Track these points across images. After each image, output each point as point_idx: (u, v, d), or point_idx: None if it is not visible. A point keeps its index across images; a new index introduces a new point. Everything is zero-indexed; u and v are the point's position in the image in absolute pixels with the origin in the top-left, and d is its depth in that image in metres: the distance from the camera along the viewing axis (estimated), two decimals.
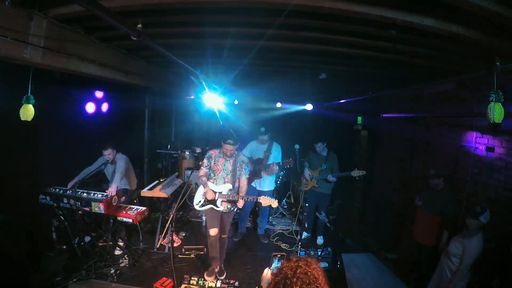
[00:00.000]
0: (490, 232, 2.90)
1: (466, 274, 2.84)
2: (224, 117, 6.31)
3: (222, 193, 3.56)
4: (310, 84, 5.73)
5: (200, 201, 3.69)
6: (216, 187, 3.59)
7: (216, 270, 3.73)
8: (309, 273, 1.22)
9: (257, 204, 5.07)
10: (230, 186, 3.58)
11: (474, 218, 2.79)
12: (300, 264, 1.26)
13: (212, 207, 3.60)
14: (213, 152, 3.66)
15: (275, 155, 4.82)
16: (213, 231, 3.60)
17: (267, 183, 4.87)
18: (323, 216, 4.31)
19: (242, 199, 3.48)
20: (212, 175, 3.65)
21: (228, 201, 3.60)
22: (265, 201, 3.46)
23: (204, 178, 3.61)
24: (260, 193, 4.81)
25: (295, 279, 1.20)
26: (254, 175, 4.78)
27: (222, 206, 3.59)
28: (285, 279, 1.22)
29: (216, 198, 3.55)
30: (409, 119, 4.83)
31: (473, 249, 2.75)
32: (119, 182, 4.00)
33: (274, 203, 3.45)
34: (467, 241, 2.81)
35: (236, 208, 3.72)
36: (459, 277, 2.81)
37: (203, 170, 3.65)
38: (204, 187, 3.61)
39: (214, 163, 3.61)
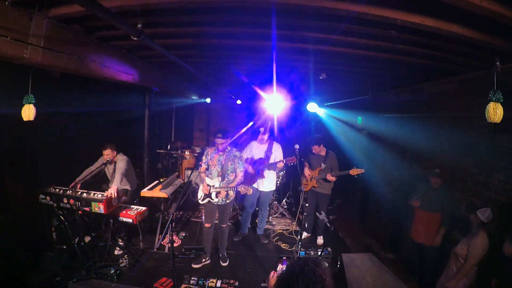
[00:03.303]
0: (490, 232, 2.92)
1: (472, 274, 2.86)
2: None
3: (215, 186, 3.89)
4: (310, 84, 5.73)
5: (201, 196, 4.00)
6: (211, 181, 3.93)
7: (204, 260, 4.05)
8: (316, 272, 1.23)
9: (257, 204, 5.08)
10: (220, 179, 3.91)
11: (473, 211, 2.88)
12: (309, 263, 1.27)
13: (209, 200, 3.93)
14: (210, 149, 4.04)
15: (277, 154, 4.82)
16: (208, 224, 4.03)
17: (268, 183, 4.85)
18: (323, 216, 4.30)
19: (225, 190, 3.84)
20: (208, 170, 3.98)
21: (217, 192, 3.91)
22: (241, 189, 3.82)
23: (203, 175, 3.98)
24: (261, 193, 4.82)
25: (302, 276, 1.21)
26: (257, 175, 4.77)
27: (216, 198, 3.90)
28: (291, 274, 1.23)
29: (210, 192, 3.89)
30: (409, 119, 4.83)
31: (477, 247, 2.78)
32: (119, 183, 4.00)
33: (249, 190, 3.81)
34: (471, 241, 2.85)
35: (231, 201, 4.04)
36: (463, 275, 2.84)
37: (203, 167, 4.03)
38: (202, 183, 3.97)
39: (210, 159, 3.97)
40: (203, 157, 4.02)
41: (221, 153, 3.92)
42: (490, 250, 2.88)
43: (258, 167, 4.76)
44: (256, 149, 4.86)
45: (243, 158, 4.05)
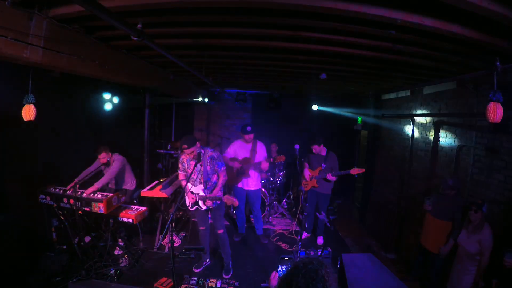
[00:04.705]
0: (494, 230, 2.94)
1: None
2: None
3: (199, 194, 3.73)
4: (311, 84, 5.73)
5: (189, 203, 3.84)
6: (194, 188, 3.75)
7: (204, 263, 4.04)
8: (319, 272, 1.24)
9: (248, 204, 5.02)
10: (203, 186, 3.74)
11: (479, 209, 2.93)
12: (314, 262, 1.28)
13: (197, 207, 3.80)
14: (184, 157, 3.75)
15: (261, 153, 4.77)
16: (203, 227, 3.97)
17: (254, 182, 4.81)
18: (323, 216, 4.30)
19: (209, 200, 3.69)
20: (190, 177, 3.70)
21: (203, 200, 3.76)
22: (228, 200, 3.64)
23: (184, 182, 3.73)
24: (248, 192, 4.79)
25: (304, 271, 1.23)
26: (242, 174, 4.73)
27: (204, 206, 3.76)
28: (295, 269, 1.25)
29: (197, 200, 3.73)
30: (409, 119, 4.84)
31: (488, 238, 2.89)
32: (102, 184, 3.91)
33: (235, 203, 3.65)
34: (481, 236, 2.93)
35: (221, 202, 3.86)
36: (484, 265, 2.92)
37: (181, 174, 3.83)
38: (185, 192, 3.74)
39: (188, 167, 3.73)
40: (179, 165, 3.81)
41: (196, 160, 3.65)
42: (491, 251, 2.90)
43: (243, 166, 4.71)
44: (240, 148, 4.78)
45: (221, 157, 3.84)
